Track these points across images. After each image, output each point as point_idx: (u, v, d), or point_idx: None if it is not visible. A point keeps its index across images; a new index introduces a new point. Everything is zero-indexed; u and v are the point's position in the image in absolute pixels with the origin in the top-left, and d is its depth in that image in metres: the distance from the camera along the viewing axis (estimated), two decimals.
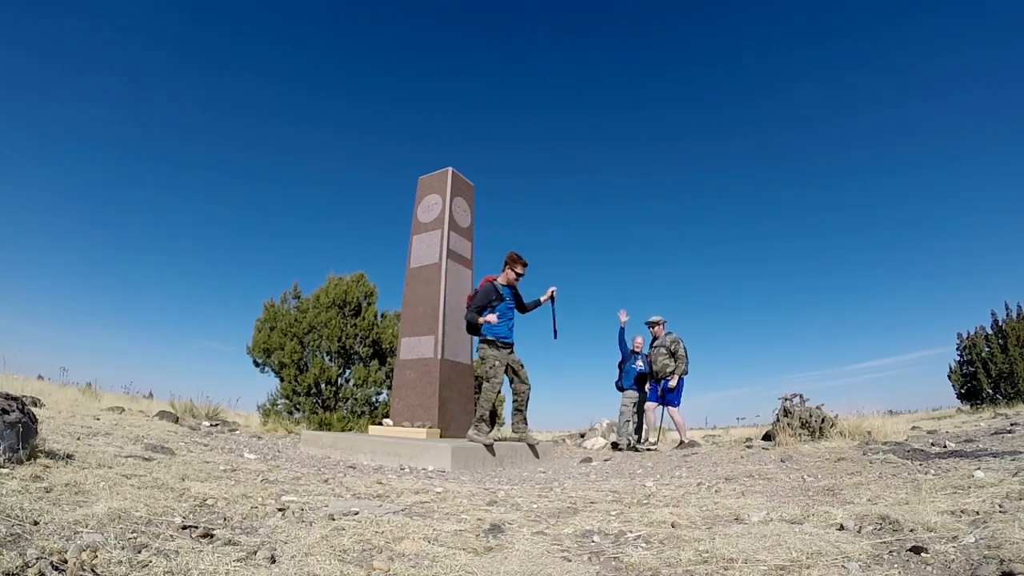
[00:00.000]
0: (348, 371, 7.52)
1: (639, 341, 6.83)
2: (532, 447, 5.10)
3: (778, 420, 4.80)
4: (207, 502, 1.92)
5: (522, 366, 5.02)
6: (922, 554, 1.40)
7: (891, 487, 2.39)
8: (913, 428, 6.72)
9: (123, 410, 5.94)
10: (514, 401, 5.10)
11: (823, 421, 4.58)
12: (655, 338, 6.41)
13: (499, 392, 4.88)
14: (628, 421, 6.56)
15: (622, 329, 6.72)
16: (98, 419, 4.49)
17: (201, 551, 1.30)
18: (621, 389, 6.80)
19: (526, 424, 5.13)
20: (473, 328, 4.91)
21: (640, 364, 6.73)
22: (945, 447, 3.90)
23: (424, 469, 3.91)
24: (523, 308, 5.14)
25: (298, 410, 7.24)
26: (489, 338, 4.85)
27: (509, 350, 4.95)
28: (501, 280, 4.97)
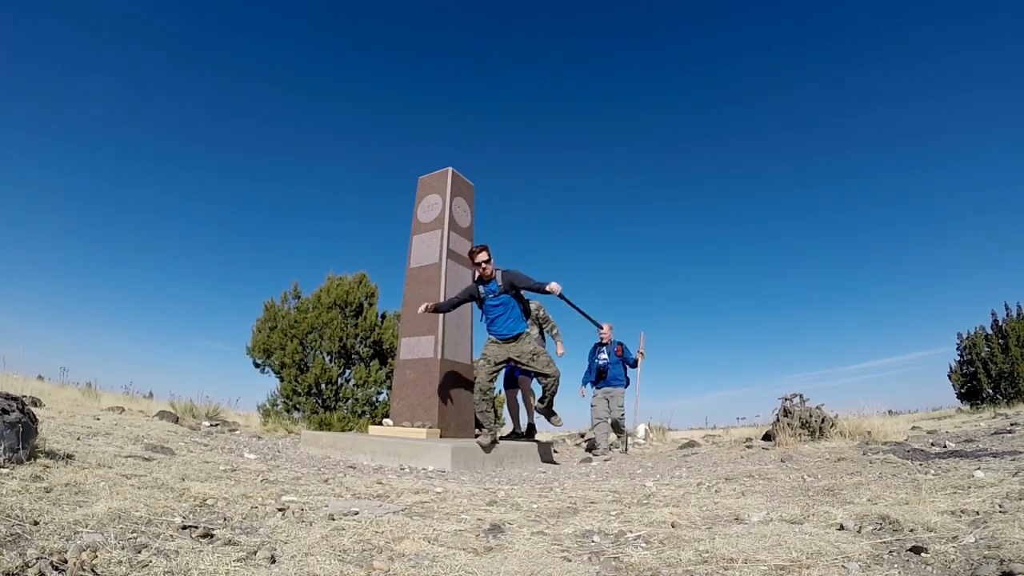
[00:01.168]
0: (349, 371, 7.52)
1: (606, 330, 6.53)
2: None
3: (778, 420, 4.80)
4: (207, 502, 1.92)
5: (534, 356, 4.67)
6: (922, 554, 1.40)
7: (891, 487, 2.39)
8: (913, 428, 6.71)
9: (123, 410, 5.94)
10: (543, 390, 4.90)
11: (823, 421, 4.58)
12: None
13: (485, 391, 4.76)
14: (600, 422, 6.34)
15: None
16: (98, 419, 4.49)
17: (201, 551, 1.30)
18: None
19: (553, 413, 4.99)
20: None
21: (604, 357, 6.46)
22: (945, 447, 3.90)
23: (424, 469, 3.91)
24: (528, 289, 4.77)
25: (298, 410, 7.23)
26: (488, 337, 4.83)
27: (511, 343, 4.75)
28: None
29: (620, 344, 6.64)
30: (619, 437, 6.66)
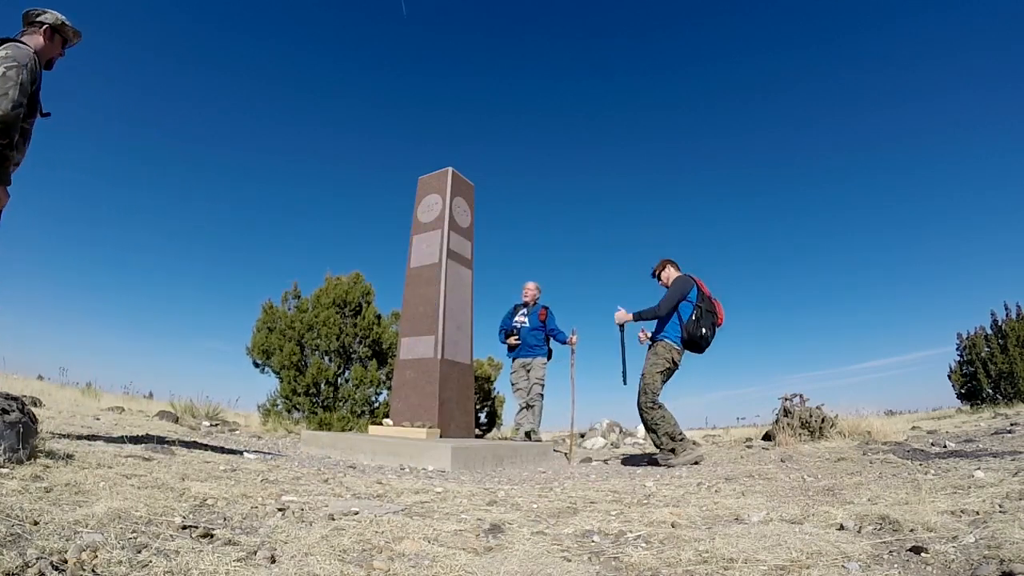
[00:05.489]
0: (347, 371, 7.52)
1: (531, 288, 6.10)
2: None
3: (778, 420, 4.80)
4: (207, 502, 1.92)
5: None
6: (922, 554, 1.40)
7: (891, 487, 2.39)
8: (913, 428, 6.72)
9: (123, 410, 5.94)
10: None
11: (823, 421, 4.58)
12: None
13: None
14: (522, 403, 5.92)
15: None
16: (98, 419, 4.49)
17: (201, 551, 1.30)
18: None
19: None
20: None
21: (523, 319, 5.94)
22: (945, 447, 3.90)
23: (424, 469, 3.91)
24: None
25: (298, 410, 7.24)
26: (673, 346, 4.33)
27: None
28: None
29: (545, 308, 6.03)
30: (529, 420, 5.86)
